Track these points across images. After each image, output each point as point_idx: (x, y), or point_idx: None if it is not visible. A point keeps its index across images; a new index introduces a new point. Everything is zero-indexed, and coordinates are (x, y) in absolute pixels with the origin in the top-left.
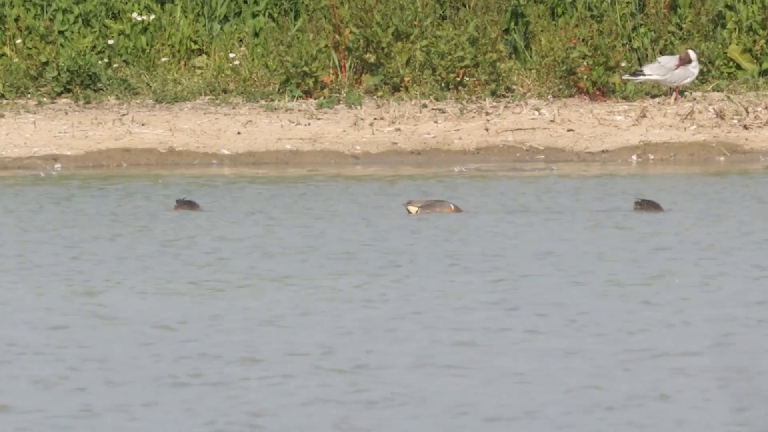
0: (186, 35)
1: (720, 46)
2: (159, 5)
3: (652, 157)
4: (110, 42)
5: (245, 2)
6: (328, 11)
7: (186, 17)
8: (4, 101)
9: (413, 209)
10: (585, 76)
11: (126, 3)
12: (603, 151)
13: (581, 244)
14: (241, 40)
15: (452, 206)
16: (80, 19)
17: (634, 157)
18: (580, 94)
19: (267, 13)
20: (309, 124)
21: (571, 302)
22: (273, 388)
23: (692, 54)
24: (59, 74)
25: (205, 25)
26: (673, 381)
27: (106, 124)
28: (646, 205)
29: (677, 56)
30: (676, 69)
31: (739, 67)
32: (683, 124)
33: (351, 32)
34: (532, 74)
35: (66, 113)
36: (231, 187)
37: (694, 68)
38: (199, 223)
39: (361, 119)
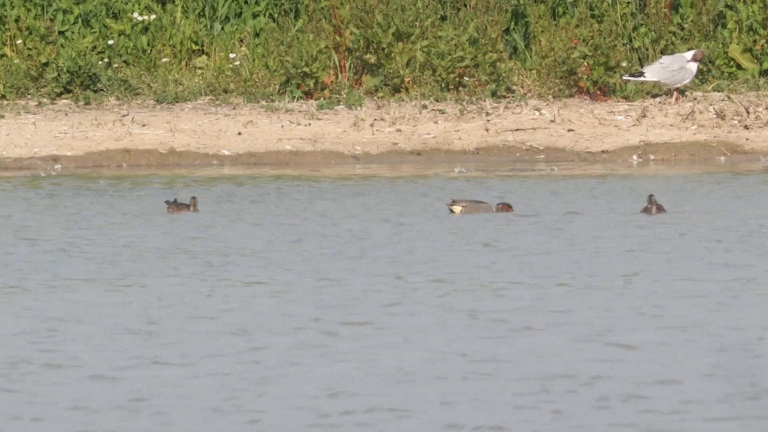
0: (187, 35)
1: (720, 45)
2: (159, 5)
3: (652, 157)
4: (110, 42)
5: (246, 2)
6: (328, 12)
7: (187, 17)
8: (5, 102)
9: (457, 209)
10: (585, 76)
11: (126, 3)
12: (603, 152)
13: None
14: (241, 41)
15: (496, 207)
16: (80, 20)
17: (634, 157)
18: (581, 94)
19: (267, 14)
20: (309, 124)
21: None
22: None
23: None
24: (59, 75)
25: (205, 26)
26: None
27: (107, 124)
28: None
29: (678, 55)
30: (691, 64)
31: (739, 66)
32: (684, 124)
33: (351, 33)
34: (532, 74)
35: (66, 114)
36: (229, 187)
37: (692, 67)
38: (186, 224)
39: (362, 120)
